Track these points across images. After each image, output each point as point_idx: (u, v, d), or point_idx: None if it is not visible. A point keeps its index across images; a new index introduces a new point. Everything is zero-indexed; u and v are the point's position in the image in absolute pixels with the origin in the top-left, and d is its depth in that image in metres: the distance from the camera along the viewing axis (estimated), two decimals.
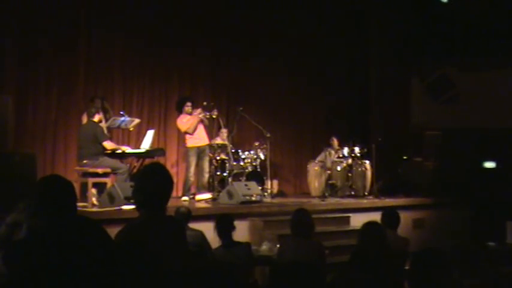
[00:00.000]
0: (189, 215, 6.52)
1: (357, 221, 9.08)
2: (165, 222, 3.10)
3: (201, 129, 10.12)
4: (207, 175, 10.14)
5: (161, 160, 10.85)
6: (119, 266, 2.58)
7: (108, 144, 8.74)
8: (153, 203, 3.07)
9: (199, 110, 10.05)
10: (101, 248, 2.70)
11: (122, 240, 2.92)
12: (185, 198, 9.89)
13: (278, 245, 6.20)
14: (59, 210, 2.67)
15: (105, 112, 10.13)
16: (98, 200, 8.33)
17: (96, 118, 8.87)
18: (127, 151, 8.95)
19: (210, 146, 10.51)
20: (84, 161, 8.54)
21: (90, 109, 9.10)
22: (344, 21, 13.65)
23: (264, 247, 6.68)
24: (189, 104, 10.14)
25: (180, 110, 10.19)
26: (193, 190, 10.34)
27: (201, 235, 6.22)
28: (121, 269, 2.58)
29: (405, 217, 9.33)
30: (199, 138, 10.06)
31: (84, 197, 8.50)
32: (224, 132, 10.89)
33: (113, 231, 3.01)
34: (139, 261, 2.60)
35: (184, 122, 10.04)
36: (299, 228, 5.59)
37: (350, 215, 9.55)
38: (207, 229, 6.58)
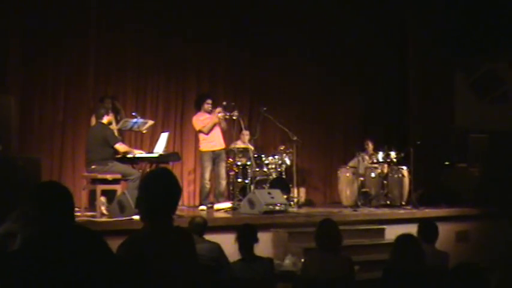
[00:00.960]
0: (205, 225, 6.51)
1: (393, 233, 8.85)
2: (172, 234, 3.09)
3: (217, 131, 10.16)
4: (223, 182, 10.16)
5: (177, 166, 10.94)
6: (120, 282, 2.57)
7: (121, 147, 8.79)
8: (158, 213, 3.06)
9: (218, 109, 10.08)
10: (100, 261, 2.70)
11: (123, 253, 2.92)
12: (202, 207, 9.93)
13: (303, 260, 6.15)
14: (55, 220, 2.67)
15: (116, 113, 10.21)
16: (107, 209, 8.37)
17: (106, 120, 8.91)
18: (138, 155, 8.98)
19: (230, 150, 10.53)
20: (93, 166, 8.60)
21: (99, 110, 9.16)
22: (381, 18, 13.58)
23: (287, 261, 6.65)
24: (209, 101, 10.19)
25: (198, 108, 10.26)
26: (212, 199, 10.37)
27: (217, 248, 6.21)
28: (122, 285, 2.58)
29: (447, 229, 9.24)
30: (214, 142, 10.10)
31: (93, 206, 8.57)
32: (246, 134, 10.90)
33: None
34: (142, 276, 2.60)
35: (201, 120, 10.08)
36: (325, 241, 5.55)
37: (385, 226, 9.47)
38: (226, 241, 6.56)
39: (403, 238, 4.90)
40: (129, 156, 8.98)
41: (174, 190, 3.15)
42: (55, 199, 2.72)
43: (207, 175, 10.02)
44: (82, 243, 2.72)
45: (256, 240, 5.79)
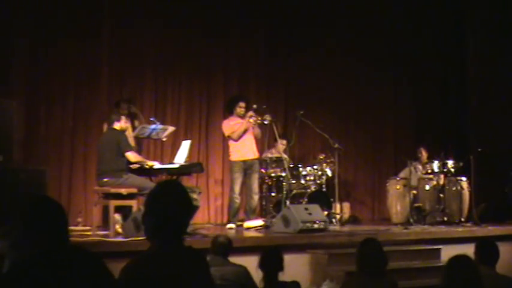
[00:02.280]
0: (230, 245, 6.50)
1: (450, 254, 8.57)
2: (181, 256, 3.09)
3: (249, 138, 10.18)
4: (256, 197, 10.17)
5: (202, 177, 10.99)
6: None
7: (132, 155, 8.81)
8: (165, 231, 3.06)
9: (250, 113, 10.11)
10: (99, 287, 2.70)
11: (126, 277, 2.92)
12: (231, 225, 9.95)
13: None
14: (47, 240, 2.68)
15: (134, 118, 10.29)
16: (122, 228, 8.42)
17: (118, 125, 8.96)
18: (155, 167, 9.02)
19: (262, 160, 10.52)
20: (105, 179, 8.65)
21: (110, 115, 9.24)
22: (437, 10, 13.53)
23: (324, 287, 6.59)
24: (242, 104, 10.25)
25: (230, 111, 10.32)
26: (242, 215, 10.38)
27: (244, 272, 6.19)
28: None
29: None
30: (246, 150, 10.11)
31: (106, 224, 8.64)
32: (281, 143, 10.86)
33: None
34: None
35: (232, 124, 10.14)
36: (366, 264, 5.48)
37: (441, 247, 9.37)
38: (255, 264, 6.55)
39: (456, 260, 4.82)
40: (145, 167, 9.02)
41: (185, 205, 3.15)
42: (45, 216, 2.72)
43: (237, 188, 10.03)
44: (78, 267, 2.70)
45: (281, 268, 5.76)
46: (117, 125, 8.94)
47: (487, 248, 6.18)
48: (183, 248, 3.13)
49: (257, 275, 5.95)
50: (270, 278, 5.71)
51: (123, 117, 9.10)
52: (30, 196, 2.84)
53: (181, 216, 3.13)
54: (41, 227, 2.69)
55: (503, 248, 6.41)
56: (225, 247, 6.45)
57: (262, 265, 5.75)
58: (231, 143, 10.23)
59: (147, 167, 8.91)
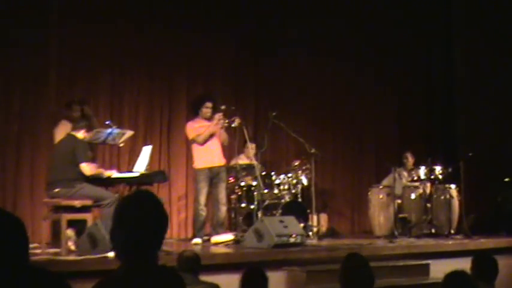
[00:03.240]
0: (198, 261, 6.47)
1: (439, 270, 8.69)
2: (156, 276, 3.03)
3: (215, 144, 10.13)
4: (224, 208, 10.13)
5: (163, 188, 10.92)
6: None
7: (88, 168, 8.72)
8: (138, 249, 2.99)
9: (218, 115, 10.05)
10: None
11: None
12: (196, 240, 9.91)
13: None
14: (5, 261, 2.62)
15: (86, 120, 10.18)
16: (76, 245, 8.33)
17: (81, 134, 8.91)
18: (114, 175, 8.95)
19: (231, 167, 10.48)
20: (56, 189, 8.57)
21: (79, 119, 9.19)
22: (424, 15, 13.70)
23: None
24: (209, 104, 10.21)
25: (195, 113, 10.27)
26: (208, 230, 10.34)
27: None
28: None
29: (508, 264, 9.15)
30: (212, 157, 10.07)
31: (57, 241, 8.53)
32: (251, 148, 10.84)
33: None
34: None
35: (196, 127, 10.08)
36: (351, 282, 5.47)
37: (429, 261, 9.46)
38: (226, 284, 6.54)
39: (454, 277, 4.84)
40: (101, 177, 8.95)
41: (159, 219, 3.06)
42: (3, 233, 2.66)
43: (203, 199, 9.98)
44: None
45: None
46: (81, 133, 8.86)
47: (485, 262, 6.21)
48: (157, 267, 3.07)
49: None
50: None
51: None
52: None
53: (156, 230, 3.06)
54: None
55: (499, 262, 6.45)
56: (194, 263, 6.42)
57: (243, 286, 5.71)
58: (195, 148, 10.17)
59: (105, 177, 8.84)
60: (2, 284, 2.59)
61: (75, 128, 8.95)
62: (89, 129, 9.07)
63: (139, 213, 3.02)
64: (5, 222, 2.70)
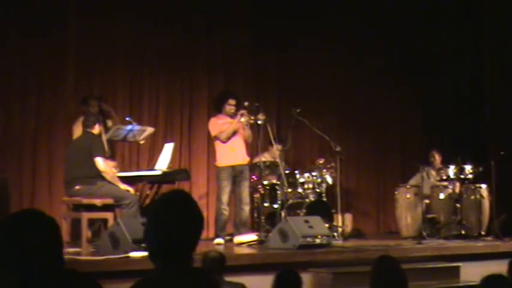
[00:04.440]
0: (223, 261, 6.47)
1: (470, 272, 8.97)
2: (191, 278, 3.02)
3: (239, 141, 10.10)
4: (247, 208, 10.10)
5: (184, 186, 10.90)
6: None
7: (102, 163, 8.69)
8: (173, 251, 2.98)
9: (242, 112, 10.03)
10: None
11: None
12: (219, 240, 9.88)
13: None
14: (38, 264, 2.61)
15: (106, 117, 10.25)
16: (96, 245, 8.35)
17: (97, 129, 8.92)
18: (135, 174, 8.97)
19: (254, 165, 10.44)
20: (76, 187, 8.60)
21: (87, 116, 9.16)
22: (451, 7, 13.64)
23: None
24: (232, 101, 10.18)
25: (218, 110, 10.25)
26: (230, 229, 10.32)
27: None
28: None
29: None
30: (235, 154, 10.03)
31: (77, 240, 8.54)
32: (276, 148, 10.75)
33: None
34: None
35: (220, 123, 10.05)
36: (384, 285, 5.44)
37: (460, 264, 9.41)
38: (250, 285, 6.53)
39: (491, 280, 4.78)
40: (122, 174, 8.96)
41: (195, 220, 3.05)
42: (36, 235, 2.65)
43: (225, 198, 9.95)
44: None
45: None
46: (96, 129, 8.88)
47: None
48: (192, 270, 3.06)
49: None
50: None
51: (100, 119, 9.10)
52: (17, 213, 2.76)
53: (192, 232, 3.05)
54: (31, 248, 2.61)
55: None
56: (219, 263, 6.42)
57: (277, 285, 5.70)
58: (218, 145, 10.14)
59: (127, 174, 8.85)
60: (37, 286, 2.59)
61: (87, 126, 8.94)
62: (100, 122, 9.07)
63: (176, 214, 3.01)
64: (40, 223, 2.70)
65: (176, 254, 3.00)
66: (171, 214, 3.02)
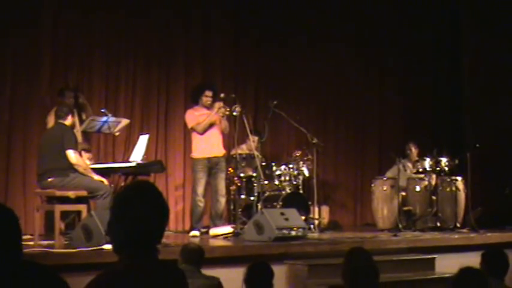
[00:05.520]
0: (201, 255, 6.47)
1: (445, 264, 8.99)
2: (157, 271, 2.98)
3: (216, 133, 10.12)
4: (223, 200, 10.11)
5: (160, 178, 10.87)
6: None
7: (73, 155, 8.58)
8: (138, 243, 2.94)
9: (218, 104, 10.01)
10: None
11: None
12: (194, 232, 9.88)
13: None
14: None
15: (81, 109, 10.16)
16: (69, 237, 8.28)
17: (69, 120, 8.84)
18: (109, 165, 8.91)
19: (230, 157, 10.43)
20: (49, 179, 8.52)
21: (60, 107, 9.08)
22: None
23: None
24: (208, 93, 10.19)
25: (195, 101, 10.26)
26: (206, 222, 10.29)
27: (218, 285, 6.14)
28: None
29: None
30: (211, 146, 10.05)
31: (50, 233, 8.48)
32: (252, 140, 10.73)
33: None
34: None
35: (197, 115, 10.06)
36: (356, 278, 5.42)
37: (435, 256, 9.41)
38: (225, 278, 6.52)
39: (465, 273, 4.76)
40: (95, 166, 8.90)
41: (160, 211, 3.03)
42: None
43: (201, 190, 9.95)
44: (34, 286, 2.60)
45: (270, 286, 5.70)
46: (68, 120, 8.81)
47: (495, 258, 6.17)
48: (157, 262, 3.02)
49: None
50: None
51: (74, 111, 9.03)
52: None
53: (157, 223, 3.02)
54: None
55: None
56: (197, 255, 6.42)
57: (248, 282, 5.66)
58: (194, 137, 10.14)
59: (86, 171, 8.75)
60: None
61: (60, 117, 8.87)
62: (73, 113, 9.00)
63: (140, 205, 2.98)
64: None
65: (141, 246, 2.97)
66: (136, 205, 2.98)
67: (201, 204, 9.99)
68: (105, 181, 8.78)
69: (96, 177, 8.70)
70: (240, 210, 10.31)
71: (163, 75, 11.67)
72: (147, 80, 11.55)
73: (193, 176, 10.17)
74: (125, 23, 11.34)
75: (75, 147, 8.71)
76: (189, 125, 10.14)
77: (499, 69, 13.17)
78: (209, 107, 10.08)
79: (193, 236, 9.73)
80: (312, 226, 10.40)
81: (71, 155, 8.57)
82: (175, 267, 3.19)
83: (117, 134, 10.00)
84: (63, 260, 7.24)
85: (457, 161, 11.20)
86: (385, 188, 11.44)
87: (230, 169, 10.51)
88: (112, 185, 9.18)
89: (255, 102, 12.26)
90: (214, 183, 10.09)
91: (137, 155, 9.36)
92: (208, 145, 10.04)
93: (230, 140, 10.53)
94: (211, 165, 10.05)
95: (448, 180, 11.28)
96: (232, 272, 7.08)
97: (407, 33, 13.58)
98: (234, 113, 10.01)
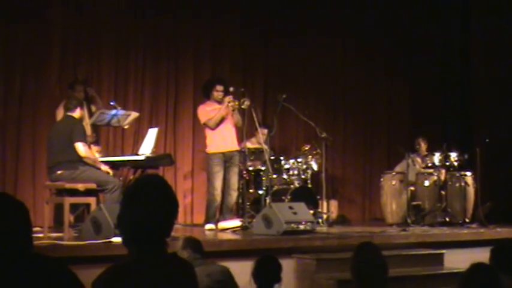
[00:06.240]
0: (200, 243, 6.38)
1: (454, 260, 8.98)
2: (166, 264, 2.98)
3: (228, 128, 10.09)
4: (235, 194, 10.11)
5: (169, 171, 10.87)
6: None
7: (82, 148, 8.60)
8: (147, 236, 2.95)
9: (228, 98, 10.01)
10: None
11: None
12: (210, 225, 9.88)
13: None
14: (6, 249, 2.56)
15: (90, 102, 10.20)
16: (78, 230, 8.32)
17: (78, 113, 8.84)
18: (118, 158, 8.91)
19: (240, 151, 10.43)
20: (59, 172, 8.53)
21: (68, 99, 9.09)
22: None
23: None
24: (219, 88, 10.17)
25: (206, 96, 10.25)
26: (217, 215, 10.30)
27: (229, 272, 6.13)
28: None
29: None
30: (225, 141, 10.03)
31: (60, 225, 8.50)
32: (261, 133, 10.70)
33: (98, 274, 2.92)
34: None
35: (208, 110, 10.04)
36: (365, 273, 5.41)
37: (444, 251, 9.41)
38: (235, 270, 6.49)
39: (475, 268, 4.73)
40: (104, 159, 8.91)
41: (169, 204, 3.04)
42: (6, 220, 2.60)
43: (218, 184, 9.92)
44: (44, 280, 2.62)
45: (278, 279, 5.68)
46: (77, 112, 8.80)
47: (505, 253, 6.14)
48: (167, 255, 3.02)
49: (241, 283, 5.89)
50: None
51: (83, 104, 9.03)
52: None
53: (166, 217, 3.03)
54: (0, 232, 2.57)
55: None
56: (201, 245, 6.37)
57: (256, 275, 5.66)
58: (207, 132, 10.12)
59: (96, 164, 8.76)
60: (3, 271, 2.54)
61: (68, 109, 8.88)
62: (82, 106, 9.00)
63: (149, 198, 2.99)
64: (7, 207, 2.65)
65: (150, 239, 2.97)
66: (145, 199, 2.99)
67: (218, 199, 9.94)
68: (111, 172, 8.80)
69: (104, 167, 8.72)
70: (248, 204, 10.31)
71: (172, 69, 11.68)
72: (156, 73, 11.56)
73: (209, 171, 10.09)
74: (134, 17, 11.34)
75: (84, 140, 8.71)
76: (202, 121, 10.13)
77: (510, 62, 13.12)
78: (221, 102, 10.07)
79: (210, 230, 9.72)
80: (320, 220, 10.39)
81: (80, 147, 8.58)
82: (184, 260, 3.19)
83: (126, 127, 10.01)
84: (72, 252, 7.24)
85: (466, 156, 11.16)
86: (394, 183, 11.42)
87: (239, 164, 10.50)
88: (121, 178, 9.19)
89: (263, 96, 12.27)
90: (227, 177, 10.06)
91: (146, 148, 9.34)
92: (222, 140, 10.03)
93: (239, 134, 10.52)
94: (226, 160, 10.04)
95: (458, 175, 11.24)
96: (240, 266, 7.05)
97: (416, 26, 13.53)
98: (243, 106, 9.99)
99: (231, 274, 6.18)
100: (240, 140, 10.38)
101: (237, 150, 10.17)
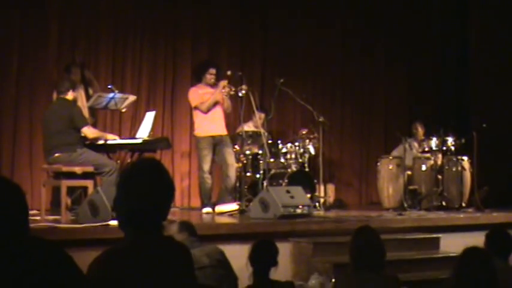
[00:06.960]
0: (193, 226, 6.41)
1: (450, 244, 8.97)
2: (162, 248, 2.99)
3: (219, 112, 10.12)
4: (233, 174, 10.09)
5: (166, 154, 10.87)
6: None
7: (90, 131, 8.72)
8: (143, 219, 2.96)
9: (223, 83, 9.97)
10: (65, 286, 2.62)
11: (96, 274, 2.81)
12: (207, 209, 9.89)
13: (333, 280, 6.07)
14: (2, 232, 2.57)
15: (88, 85, 10.19)
16: (75, 213, 8.32)
17: (70, 95, 8.84)
18: (116, 142, 8.91)
19: (235, 135, 10.44)
20: (56, 154, 8.57)
21: (60, 82, 9.09)
22: None
23: (313, 282, 6.57)
24: (212, 71, 10.15)
25: (198, 79, 10.23)
26: (214, 198, 10.32)
27: (223, 254, 6.16)
28: None
29: None
30: (214, 126, 10.05)
31: (57, 208, 8.52)
32: (259, 117, 10.69)
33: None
34: None
35: (200, 93, 10.02)
36: (363, 256, 5.44)
37: (440, 235, 9.40)
38: (232, 254, 6.52)
39: (470, 252, 4.76)
40: (102, 142, 8.92)
41: (165, 188, 3.05)
42: (1, 201, 2.61)
43: (207, 167, 9.95)
44: (40, 263, 2.63)
45: (275, 262, 5.70)
46: (69, 95, 8.81)
47: (500, 237, 6.17)
48: (163, 239, 3.03)
49: (238, 267, 5.90)
50: (261, 274, 5.63)
51: (78, 86, 9.03)
52: None
53: (162, 200, 3.04)
54: None
55: None
56: (191, 226, 6.39)
57: (253, 259, 5.67)
58: (197, 115, 10.11)
59: (108, 141, 8.79)
60: (4, 256, 2.55)
61: (61, 92, 8.89)
62: (74, 88, 9.00)
63: (145, 181, 3.00)
64: (3, 190, 2.65)
65: (146, 222, 2.98)
66: (141, 182, 3.00)
67: (209, 181, 9.97)
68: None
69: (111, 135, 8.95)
70: (245, 187, 10.32)
71: (169, 52, 11.66)
72: (153, 56, 11.54)
73: (198, 154, 10.14)
74: (132, 0, 11.31)
75: (87, 123, 8.80)
76: (193, 104, 10.11)
77: (507, 49, 13.11)
78: (213, 85, 10.05)
79: (207, 213, 9.74)
80: (317, 204, 10.39)
81: (87, 132, 8.67)
82: (180, 243, 3.20)
83: (123, 110, 10.00)
84: (69, 235, 7.26)
85: (463, 141, 11.18)
86: (390, 167, 11.42)
87: (236, 146, 10.51)
88: (118, 162, 9.21)
89: (261, 79, 12.24)
90: (221, 158, 10.06)
91: (143, 132, 9.35)
92: (212, 124, 10.03)
93: (236, 118, 10.52)
94: (215, 142, 10.05)
95: (454, 159, 11.25)
96: (237, 249, 7.07)
97: (414, 12, 13.51)
98: (239, 94, 9.96)
99: (225, 256, 6.22)
100: (234, 123, 10.38)
101: (225, 135, 10.17)
